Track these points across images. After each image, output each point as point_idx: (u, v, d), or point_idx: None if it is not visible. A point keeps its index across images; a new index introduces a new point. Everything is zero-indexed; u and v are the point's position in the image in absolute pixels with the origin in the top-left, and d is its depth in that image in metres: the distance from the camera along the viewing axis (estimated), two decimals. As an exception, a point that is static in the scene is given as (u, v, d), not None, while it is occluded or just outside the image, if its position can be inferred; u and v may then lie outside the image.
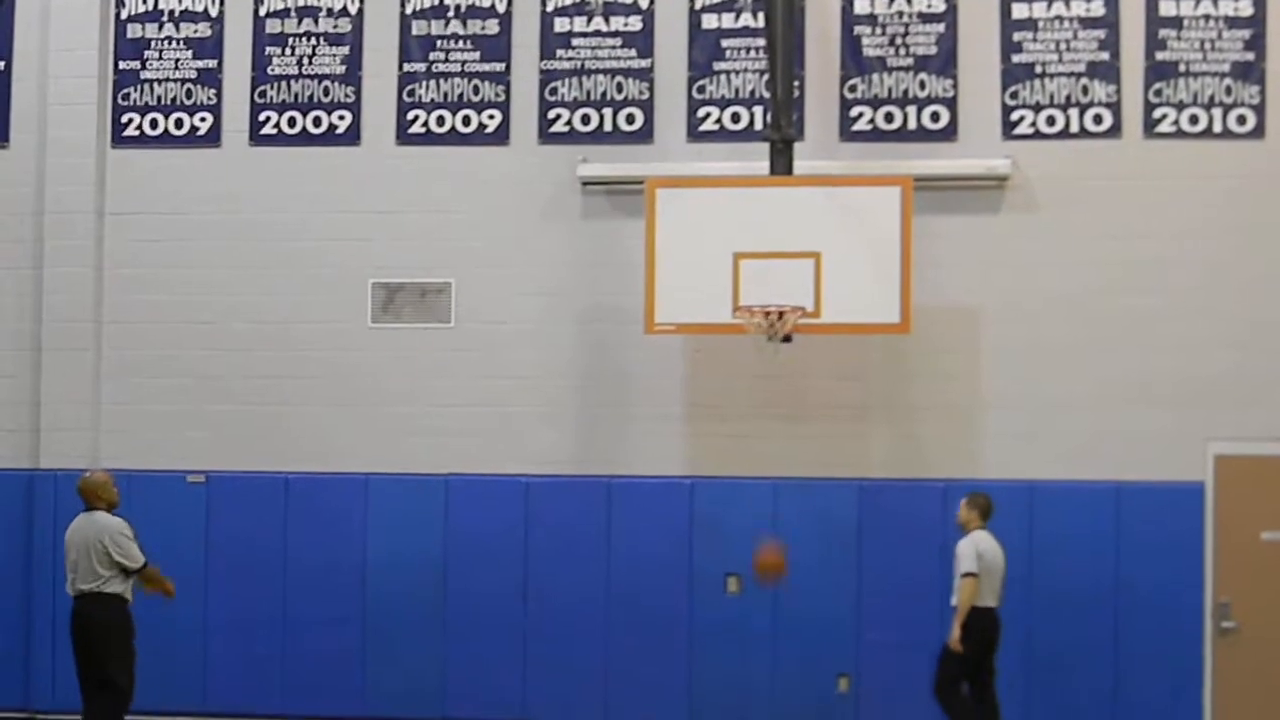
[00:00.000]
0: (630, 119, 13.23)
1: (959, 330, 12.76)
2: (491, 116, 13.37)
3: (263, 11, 13.66)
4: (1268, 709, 12.38)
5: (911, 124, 12.95)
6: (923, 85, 12.95)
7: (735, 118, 13.12)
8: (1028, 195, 12.79)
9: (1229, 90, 12.65)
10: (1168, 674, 12.46)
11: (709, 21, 13.20)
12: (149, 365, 13.56)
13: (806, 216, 12.07)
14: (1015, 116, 12.86)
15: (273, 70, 13.60)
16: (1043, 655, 12.46)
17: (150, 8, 13.74)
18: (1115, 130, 12.76)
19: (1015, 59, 12.87)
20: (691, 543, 12.93)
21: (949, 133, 12.91)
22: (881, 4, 13.02)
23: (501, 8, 13.40)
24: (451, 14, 13.44)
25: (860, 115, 13.01)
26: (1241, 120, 12.64)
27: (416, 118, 13.45)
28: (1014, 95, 12.86)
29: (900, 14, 12.99)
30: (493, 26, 13.41)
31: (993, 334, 12.78)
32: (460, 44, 13.42)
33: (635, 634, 12.92)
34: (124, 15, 13.76)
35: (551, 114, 13.31)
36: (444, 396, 13.26)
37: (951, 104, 12.93)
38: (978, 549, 11.61)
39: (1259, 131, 12.62)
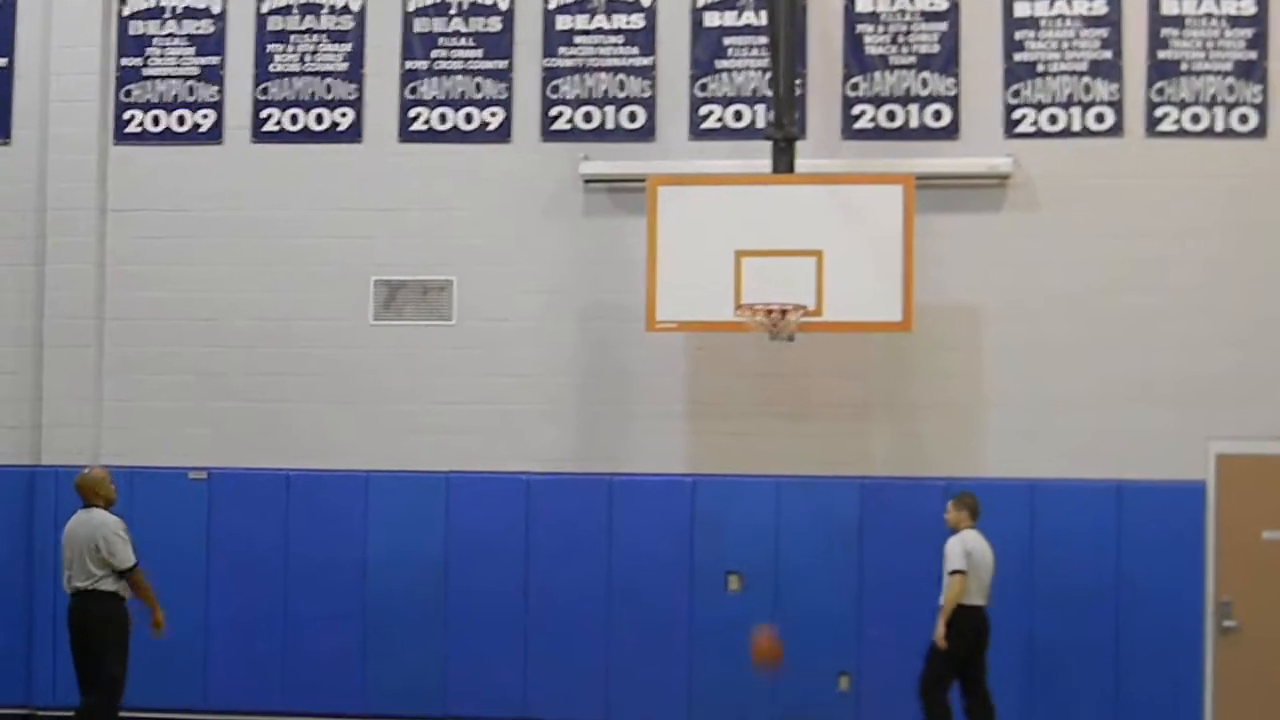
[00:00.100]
0: (632, 117, 13.23)
1: (961, 328, 12.75)
2: (493, 114, 13.37)
3: (265, 8, 13.65)
4: (1268, 708, 12.38)
5: (913, 122, 12.94)
6: (925, 83, 12.95)
7: (737, 116, 13.12)
8: (1029, 194, 12.79)
9: (1231, 89, 12.65)
10: (1169, 673, 12.45)
11: (711, 19, 13.19)
12: (151, 362, 13.55)
13: (808, 214, 12.06)
14: (1017, 115, 12.86)
15: (275, 67, 13.60)
16: (1043, 654, 12.47)
17: (152, 4, 13.74)
18: (1117, 129, 12.76)
19: (1017, 57, 12.86)
20: (693, 540, 12.92)
21: (951, 131, 12.91)
22: (884, 2, 13.01)
23: (504, 5, 13.40)
24: (454, 11, 13.44)
25: (862, 113, 13.01)
26: (1244, 119, 12.63)
27: (418, 115, 13.44)
28: (1016, 94, 12.86)
29: (902, 12, 12.98)
30: (495, 24, 13.40)
31: (994, 332, 12.78)
32: (462, 41, 13.42)
33: (636, 631, 12.91)
34: (126, 12, 13.75)
35: (553, 112, 13.30)
36: (445, 394, 13.26)
37: (953, 102, 12.93)
38: (965, 547, 11.62)
39: (1261, 130, 12.62)
